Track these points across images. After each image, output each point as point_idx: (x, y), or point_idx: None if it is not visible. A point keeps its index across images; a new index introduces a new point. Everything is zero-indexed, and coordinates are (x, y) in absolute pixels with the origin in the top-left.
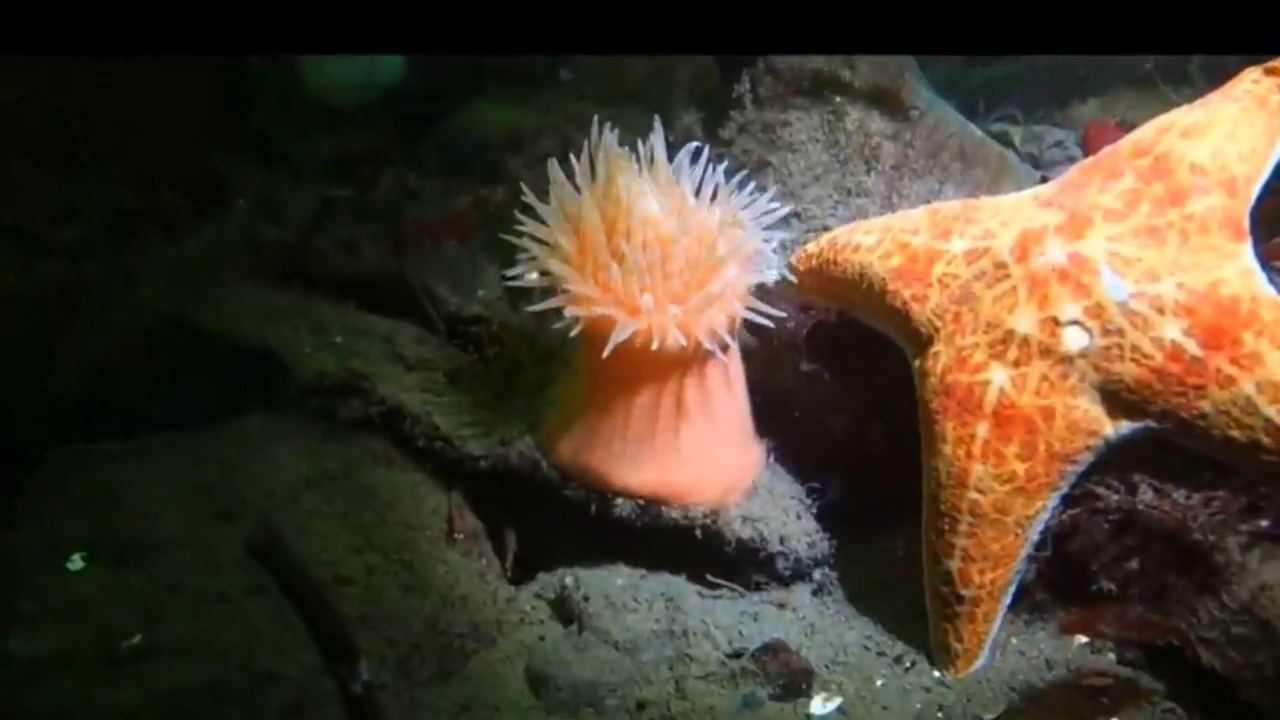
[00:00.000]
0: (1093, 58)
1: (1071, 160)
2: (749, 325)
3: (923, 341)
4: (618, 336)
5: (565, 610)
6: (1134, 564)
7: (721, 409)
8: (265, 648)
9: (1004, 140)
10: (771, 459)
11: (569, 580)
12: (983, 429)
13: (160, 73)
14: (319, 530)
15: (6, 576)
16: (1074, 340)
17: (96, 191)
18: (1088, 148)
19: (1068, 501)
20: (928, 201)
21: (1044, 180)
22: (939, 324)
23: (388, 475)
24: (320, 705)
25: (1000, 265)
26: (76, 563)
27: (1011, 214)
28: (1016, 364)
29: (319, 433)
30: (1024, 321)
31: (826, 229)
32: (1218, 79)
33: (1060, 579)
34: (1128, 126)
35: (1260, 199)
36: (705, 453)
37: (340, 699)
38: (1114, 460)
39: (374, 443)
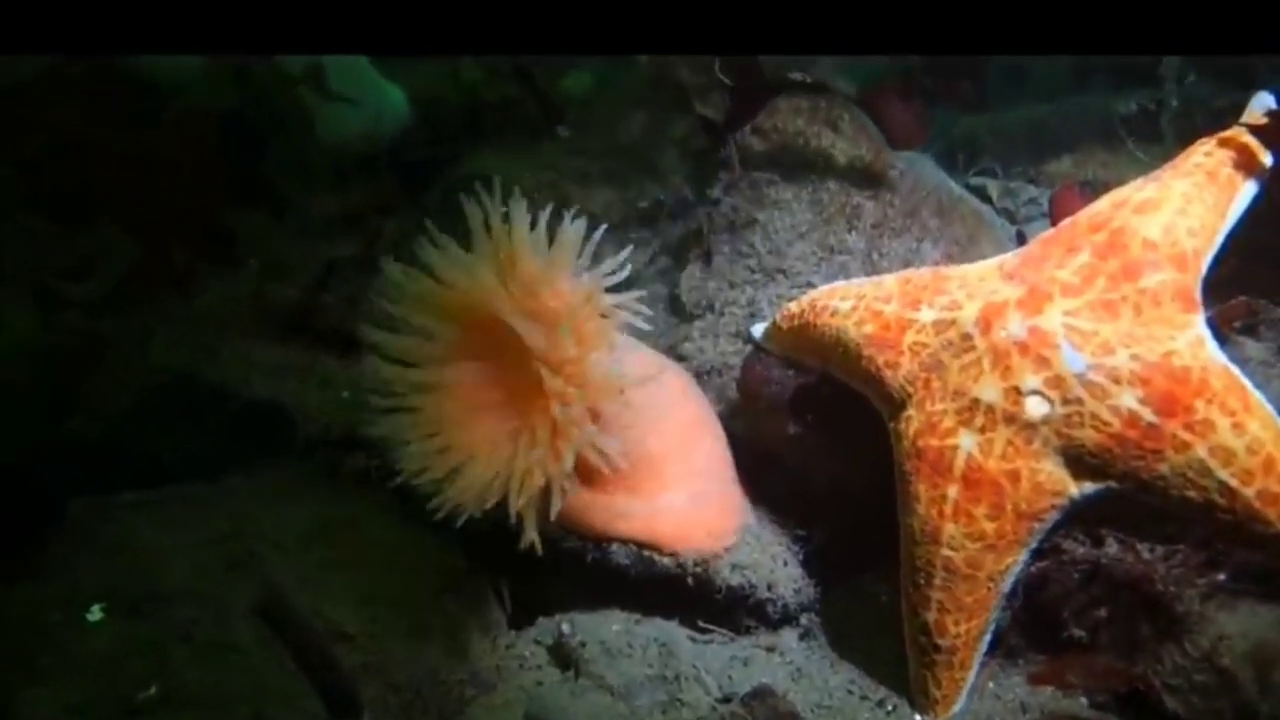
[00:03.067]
0: (1070, 108)
1: (1045, 217)
2: (739, 385)
3: (896, 405)
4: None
5: (562, 656)
6: (1102, 612)
7: (701, 458)
8: (274, 697)
9: (982, 195)
10: (760, 510)
11: (565, 626)
12: (953, 490)
13: (177, 129)
14: (326, 581)
15: (31, 628)
16: (1036, 409)
17: (112, 247)
18: (1054, 214)
19: (1038, 555)
20: (907, 259)
21: (1019, 234)
22: (910, 390)
23: (390, 527)
24: None
25: (966, 337)
26: (95, 614)
27: (977, 285)
28: (983, 430)
29: (325, 485)
30: (988, 391)
31: (810, 285)
32: (1188, 137)
33: (1034, 625)
34: (1099, 185)
35: (1212, 267)
36: (688, 500)
37: None
38: (1081, 516)
39: (377, 495)
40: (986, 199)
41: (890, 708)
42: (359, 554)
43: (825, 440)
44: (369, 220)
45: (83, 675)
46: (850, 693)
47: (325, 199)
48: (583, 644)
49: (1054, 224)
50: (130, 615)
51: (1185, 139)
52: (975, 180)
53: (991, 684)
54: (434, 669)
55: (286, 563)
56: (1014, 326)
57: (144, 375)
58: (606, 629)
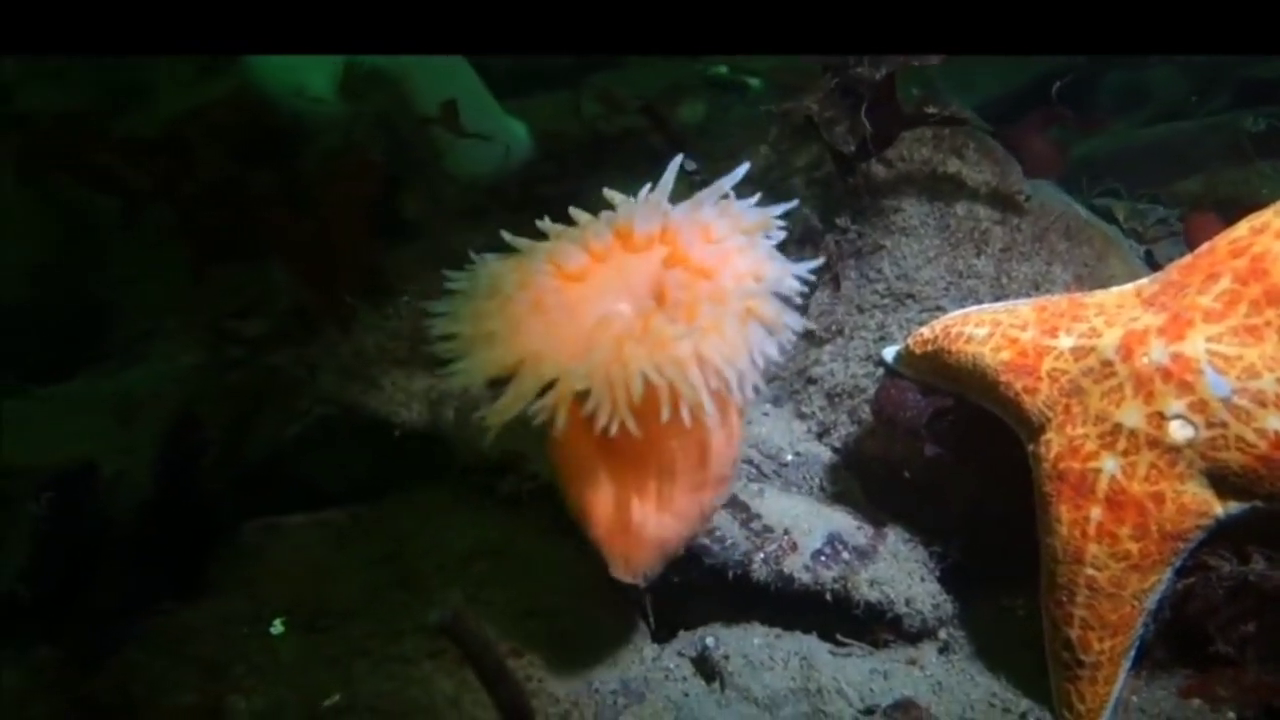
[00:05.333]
0: (1194, 127)
1: (1174, 236)
2: (874, 408)
3: (1035, 429)
4: None
5: (706, 668)
6: (1250, 627)
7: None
8: (447, 706)
9: (1108, 216)
10: (896, 527)
11: (709, 640)
12: (1096, 512)
13: (339, 171)
14: (486, 598)
15: (220, 640)
16: (1180, 432)
17: (275, 285)
18: (1190, 239)
19: (1183, 571)
20: (1036, 283)
21: (1148, 254)
22: (1050, 414)
23: (543, 546)
24: None
25: (1106, 364)
26: (278, 627)
27: (1115, 312)
28: (1126, 454)
29: (480, 507)
30: (1131, 416)
31: (940, 309)
32: None
33: (1179, 640)
34: (1231, 205)
35: None
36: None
37: None
38: (1226, 533)
39: (530, 516)
40: (1113, 220)
41: None
42: (514, 572)
43: (961, 461)
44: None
45: (271, 684)
46: (992, 705)
47: (462, 233)
48: (726, 657)
49: (1191, 249)
50: (309, 629)
51: None
52: (1099, 201)
53: (1135, 698)
54: (588, 680)
55: (448, 581)
56: (1156, 353)
57: (309, 406)
58: (748, 642)
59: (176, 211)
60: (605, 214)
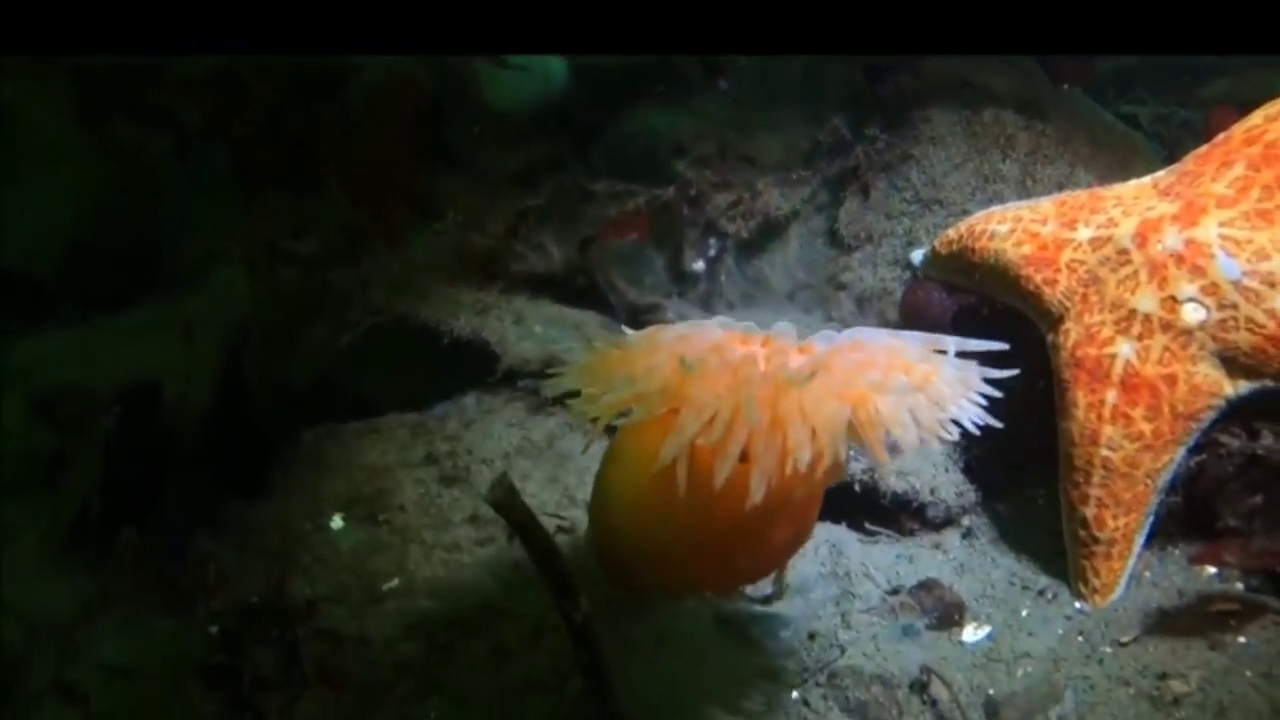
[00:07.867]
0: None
1: (1197, 138)
2: (901, 308)
3: (1054, 319)
4: None
5: None
6: (1258, 499)
7: None
8: (497, 589)
9: (1132, 122)
10: None
11: None
12: (1111, 395)
13: (386, 97)
14: (530, 491)
15: (286, 534)
16: (1192, 315)
17: (329, 208)
18: (1209, 133)
19: (1194, 450)
20: (1060, 185)
21: (1171, 159)
22: (1069, 304)
23: (581, 443)
24: (551, 635)
25: (1122, 252)
26: (337, 522)
27: (1132, 203)
28: (1140, 338)
29: (525, 409)
30: (1145, 301)
31: (966, 213)
32: None
33: (1189, 516)
34: (1256, 105)
35: None
36: None
37: (564, 630)
38: (1237, 411)
39: (569, 417)
40: (1138, 126)
41: (1051, 596)
42: (557, 467)
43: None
44: (545, 175)
45: (334, 571)
46: (1011, 584)
47: (504, 157)
48: None
49: (1209, 140)
50: (366, 523)
51: None
52: (1125, 109)
53: (1148, 573)
54: None
55: (493, 477)
56: (1170, 240)
57: (360, 317)
58: None
59: (230, 145)
60: None
